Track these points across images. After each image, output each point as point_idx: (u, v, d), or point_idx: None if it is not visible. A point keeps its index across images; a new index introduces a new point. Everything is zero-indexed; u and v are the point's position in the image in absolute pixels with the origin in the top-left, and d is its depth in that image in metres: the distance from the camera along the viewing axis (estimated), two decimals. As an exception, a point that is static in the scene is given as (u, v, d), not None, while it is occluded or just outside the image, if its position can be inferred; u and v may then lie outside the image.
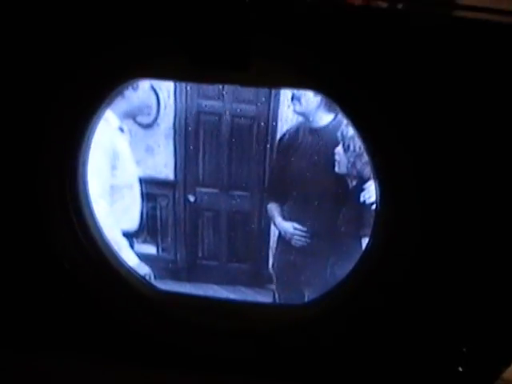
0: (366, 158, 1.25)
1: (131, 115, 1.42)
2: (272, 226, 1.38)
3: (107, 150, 1.42)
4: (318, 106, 1.31)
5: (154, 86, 1.40)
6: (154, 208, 1.48)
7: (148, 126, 1.47)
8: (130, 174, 1.43)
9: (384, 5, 1.10)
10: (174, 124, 1.40)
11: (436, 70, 0.99)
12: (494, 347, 1.15)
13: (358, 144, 1.27)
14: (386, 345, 1.14)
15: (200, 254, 1.45)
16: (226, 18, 0.99)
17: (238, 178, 1.38)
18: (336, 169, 1.30)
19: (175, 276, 1.46)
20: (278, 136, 1.33)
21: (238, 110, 1.33)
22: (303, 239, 1.36)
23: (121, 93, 1.21)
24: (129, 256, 1.42)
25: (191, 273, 1.45)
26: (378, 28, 0.99)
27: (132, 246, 1.44)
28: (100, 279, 1.18)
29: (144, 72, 1.10)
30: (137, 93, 1.38)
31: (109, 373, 1.22)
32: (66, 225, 1.15)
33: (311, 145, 1.33)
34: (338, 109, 1.08)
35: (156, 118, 1.46)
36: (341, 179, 1.30)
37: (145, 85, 1.38)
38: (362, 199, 1.29)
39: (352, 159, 1.29)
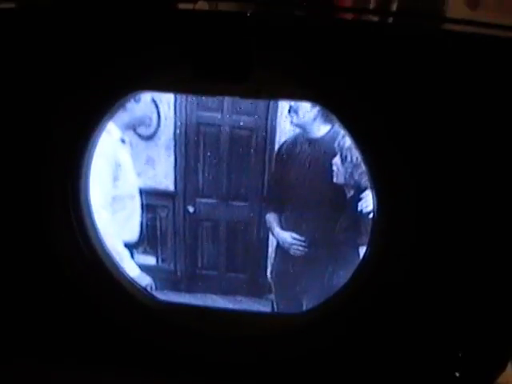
0: (363, 168, 1.24)
1: (132, 127, 1.44)
2: (270, 236, 1.39)
3: (109, 161, 1.43)
4: (315, 118, 1.32)
5: (155, 99, 1.41)
6: (154, 219, 1.49)
7: (149, 138, 1.49)
8: (131, 184, 1.44)
9: (375, 19, 1.16)
10: (174, 135, 1.41)
11: (428, 81, 1.00)
12: (489, 352, 1.16)
13: (355, 155, 1.28)
14: (383, 351, 1.14)
15: (199, 264, 1.46)
16: (227, 31, 1.00)
17: (237, 188, 1.39)
18: (334, 179, 1.31)
19: (175, 286, 1.46)
20: (276, 147, 1.34)
21: (237, 122, 1.34)
22: (301, 248, 1.37)
23: (123, 105, 1.20)
24: (130, 266, 1.43)
25: (190, 283, 1.46)
26: (369, 41, 1.00)
27: (132, 257, 1.44)
28: (101, 288, 1.18)
29: (146, 85, 1.10)
30: (138, 105, 1.40)
31: (109, 380, 1.21)
32: (67, 235, 1.15)
33: (309, 155, 1.34)
34: (335, 120, 1.08)
35: (156, 130, 1.48)
36: (338, 189, 1.32)
37: (146, 97, 1.39)
38: (359, 208, 1.30)
39: (349, 170, 1.31)
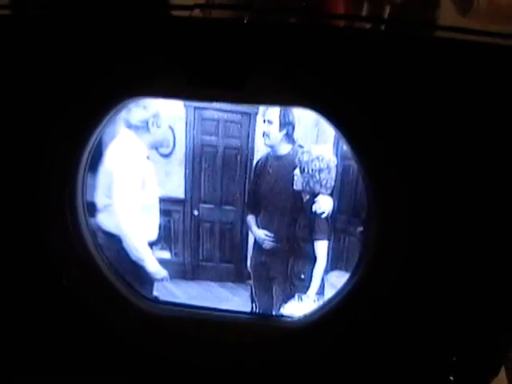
0: (317, 177, 1.45)
1: (155, 147, 1.61)
2: (250, 233, 1.57)
3: (139, 175, 1.59)
4: (281, 140, 1.52)
5: (171, 126, 1.60)
6: (169, 221, 1.66)
7: (167, 156, 1.67)
8: (154, 194, 1.60)
9: (367, 26, 1.13)
10: (185, 154, 1.60)
11: (420, 87, 0.99)
12: (483, 356, 1.14)
13: (311, 167, 1.46)
14: (378, 356, 1.15)
15: (201, 257, 1.65)
16: (223, 38, 0.99)
17: (227, 195, 1.58)
18: (294, 186, 1.49)
19: (183, 276, 1.64)
20: (254, 163, 1.52)
21: (228, 144, 1.54)
22: (271, 243, 1.55)
23: (120, 111, 1.19)
24: (152, 263, 1.58)
25: (194, 272, 1.64)
26: (363, 48, 0.99)
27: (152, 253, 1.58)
28: (97, 294, 1.19)
29: (142, 91, 1.10)
30: (159, 129, 1.56)
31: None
32: (64, 240, 1.15)
33: (276, 169, 1.53)
34: (329, 123, 1.09)
35: (172, 150, 1.66)
36: (298, 194, 1.49)
37: (165, 124, 1.56)
38: (313, 210, 1.47)
39: (306, 179, 1.48)
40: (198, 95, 1.11)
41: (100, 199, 1.55)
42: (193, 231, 1.69)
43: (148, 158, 1.63)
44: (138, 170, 1.60)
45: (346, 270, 1.35)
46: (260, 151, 1.54)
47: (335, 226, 1.46)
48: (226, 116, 1.53)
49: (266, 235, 1.56)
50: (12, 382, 1.22)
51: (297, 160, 1.51)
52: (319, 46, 1.00)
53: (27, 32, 1.03)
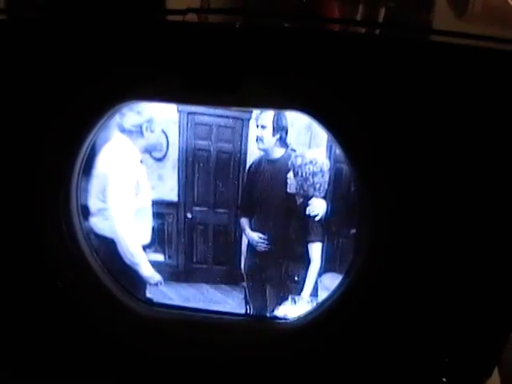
0: (310, 181, 1.46)
1: (149, 151, 1.62)
2: (243, 236, 1.57)
3: (133, 179, 1.58)
4: (275, 144, 1.53)
5: (164, 130, 1.59)
6: (163, 224, 1.67)
7: (160, 160, 1.68)
8: (148, 197, 1.59)
9: (362, 30, 1.13)
10: (178, 158, 1.59)
11: (415, 91, 0.99)
12: (476, 358, 1.14)
13: (304, 170, 1.48)
14: (369, 358, 1.15)
15: (194, 260, 1.64)
16: (216, 43, 0.99)
17: (220, 198, 1.58)
18: (288, 190, 1.50)
19: (177, 278, 1.63)
20: (247, 166, 1.52)
21: (220, 148, 1.54)
22: (265, 245, 1.56)
23: (113, 115, 1.19)
24: (146, 267, 1.58)
25: (188, 275, 1.63)
26: (357, 52, 0.99)
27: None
28: (93, 297, 1.19)
29: (136, 95, 1.09)
30: (153, 134, 1.57)
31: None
32: (59, 245, 1.15)
33: (269, 172, 1.54)
34: (322, 127, 1.08)
35: (166, 154, 1.66)
36: (291, 197, 1.50)
37: (158, 128, 1.57)
38: (307, 213, 1.48)
39: (300, 182, 1.49)
40: (191, 99, 1.11)
41: (93, 203, 1.54)
42: (186, 234, 1.69)
43: (141, 161, 1.63)
44: (133, 174, 1.60)
45: (340, 272, 1.34)
46: (253, 155, 1.54)
47: (329, 228, 1.46)
48: (219, 121, 1.53)
49: (260, 238, 1.57)
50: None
51: (290, 164, 1.52)
52: (313, 49, 1.00)
53: (21, 36, 1.03)
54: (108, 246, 1.54)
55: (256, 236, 1.57)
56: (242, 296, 1.60)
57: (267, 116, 1.50)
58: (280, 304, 1.54)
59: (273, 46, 0.99)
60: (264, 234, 1.56)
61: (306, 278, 1.53)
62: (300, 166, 1.49)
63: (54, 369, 1.23)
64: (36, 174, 1.10)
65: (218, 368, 1.20)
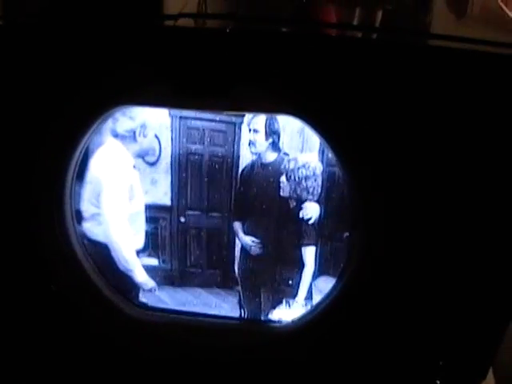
0: (303, 184, 1.45)
1: (141, 156, 1.61)
2: (236, 240, 1.56)
3: (127, 185, 1.57)
4: (267, 148, 1.53)
5: (157, 135, 1.58)
6: (156, 228, 1.65)
7: (153, 164, 1.65)
8: (141, 202, 1.58)
9: (354, 34, 1.12)
10: (171, 162, 1.59)
11: (410, 96, 0.99)
12: (470, 360, 1.15)
13: (297, 174, 1.47)
14: (363, 361, 1.16)
15: (188, 264, 1.63)
16: (207, 48, 0.99)
17: (213, 202, 1.57)
18: (281, 193, 1.49)
19: (171, 282, 1.62)
20: (240, 170, 1.52)
21: (213, 152, 1.53)
22: (258, 249, 1.55)
23: (106, 119, 1.19)
24: (140, 273, 1.57)
25: (182, 279, 1.62)
26: (350, 57, 0.99)
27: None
28: (87, 301, 1.19)
29: (128, 100, 1.10)
30: (146, 139, 1.56)
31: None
32: (53, 250, 1.15)
33: (262, 176, 1.53)
34: (314, 131, 1.08)
35: (158, 158, 1.64)
36: (284, 201, 1.50)
37: (151, 133, 1.56)
38: (300, 216, 1.47)
39: (293, 186, 1.49)
40: (183, 104, 1.12)
41: (87, 208, 1.53)
42: (180, 238, 1.67)
43: (134, 166, 1.62)
44: (126, 179, 1.59)
45: (334, 275, 1.33)
46: (246, 159, 1.53)
47: (322, 231, 1.45)
48: (211, 125, 1.52)
49: (253, 241, 1.57)
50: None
51: (283, 167, 1.52)
52: (305, 53, 1.00)
53: (16, 42, 1.03)
54: (102, 251, 1.52)
55: (249, 240, 1.57)
56: (237, 300, 1.59)
57: (259, 120, 1.49)
58: (274, 307, 1.53)
59: (264, 51, 0.99)
60: (257, 237, 1.55)
61: (300, 281, 1.51)
62: (293, 170, 1.49)
63: (48, 372, 1.24)
64: (30, 178, 1.10)
65: (213, 371, 1.21)
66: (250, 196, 1.55)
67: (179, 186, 1.65)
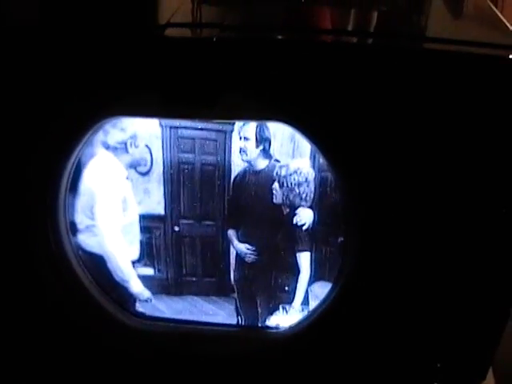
0: (296, 191, 1.44)
1: (134, 166, 1.60)
2: (231, 248, 1.54)
3: (120, 196, 1.57)
4: (258, 155, 1.51)
5: (148, 145, 1.57)
6: (150, 238, 1.64)
7: (145, 174, 1.63)
8: (134, 212, 1.58)
9: (350, 40, 1.10)
10: (163, 172, 1.57)
11: (403, 101, 0.97)
12: (468, 362, 1.13)
13: (289, 181, 1.45)
14: (360, 364, 1.15)
15: (183, 272, 1.62)
16: (195, 57, 0.98)
17: (207, 211, 1.55)
18: (274, 200, 1.48)
19: (167, 291, 1.61)
20: (232, 178, 1.50)
21: (204, 160, 1.52)
22: (253, 256, 1.54)
23: (97, 131, 1.19)
24: (136, 283, 1.56)
25: (177, 288, 1.61)
26: (344, 62, 0.98)
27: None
28: (83, 311, 1.19)
29: (117, 111, 1.10)
30: (137, 149, 1.56)
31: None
32: (48, 260, 1.15)
33: (255, 183, 1.52)
34: (305, 138, 1.08)
35: (150, 168, 1.62)
36: (277, 208, 1.48)
37: (142, 144, 1.55)
38: (294, 222, 1.45)
39: (286, 193, 1.47)
40: (171, 114, 1.13)
41: (81, 220, 1.50)
42: (174, 247, 1.66)
43: (127, 177, 1.61)
44: (119, 191, 1.58)
45: (329, 280, 1.32)
46: (238, 166, 1.52)
47: (316, 237, 1.43)
48: (201, 134, 1.51)
49: (248, 249, 1.55)
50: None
51: (275, 174, 1.50)
52: (294, 60, 0.99)
53: (2, 52, 1.02)
54: (97, 262, 1.50)
55: (244, 247, 1.55)
56: (233, 307, 1.57)
57: (250, 128, 1.46)
58: (271, 314, 1.52)
59: (252, 58, 0.99)
60: (252, 245, 1.54)
61: (296, 287, 1.49)
62: (285, 177, 1.47)
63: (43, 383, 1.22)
64: (23, 190, 1.10)
65: (212, 378, 1.21)
66: (243, 204, 1.53)
67: (172, 196, 1.63)
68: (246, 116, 1.16)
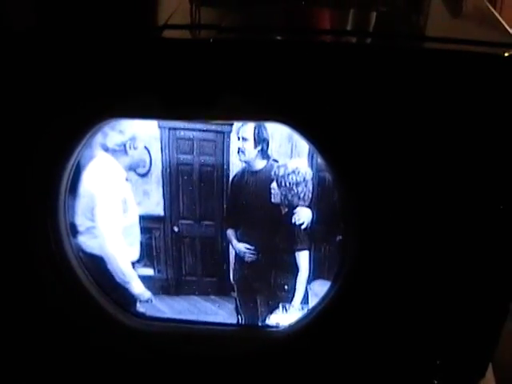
0: (294, 190, 1.43)
1: (133, 168, 1.59)
2: (230, 247, 1.54)
3: (120, 198, 1.56)
4: (256, 155, 1.51)
5: (147, 146, 1.57)
6: (150, 238, 1.63)
7: (144, 175, 1.63)
8: (134, 214, 1.57)
9: (352, 40, 1.10)
10: (162, 173, 1.57)
11: (402, 101, 0.97)
12: (468, 359, 1.12)
13: (287, 181, 1.45)
14: (360, 362, 1.14)
15: (183, 272, 1.62)
16: (193, 58, 0.98)
17: (206, 211, 1.55)
18: (272, 200, 1.48)
19: (167, 291, 1.61)
20: (231, 178, 1.50)
21: (203, 161, 1.52)
22: (252, 256, 1.53)
23: (96, 133, 1.18)
24: (137, 285, 1.56)
25: (178, 288, 1.61)
26: (342, 63, 0.97)
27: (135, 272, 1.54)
28: (85, 314, 1.18)
29: (116, 112, 1.09)
30: (136, 151, 1.56)
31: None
32: (48, 262, 1.14)
33: (253, 183, 1.51)
34: (304, 139, 1.07)
35: (149, 169, 1.62)
36: (276, 207, 1.48)
37: (141, 145, 1.55)
38: (293, 221, 1.45)
39: (284, 192, 1.47)
40: (171, 115, 1.12)
41: (81, 222, 1.50)
42: (174, 247, 1.65)
43: (127, 179, 1.61)
44: (119, 193, 1.58)
45: (329, 279, 1.31)
46: (236, 166, 1.52)
47: (315, 236, 1.42)
48: (200, 135, 1.51)
49: (247, 248, 1.55)
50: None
51: (273, 174, 1.50)
52: (292, 60, 0.98)
53: (4, 53, 1.02)
54: (98, 264, 1.50)
55: (243, 247, 1.55)
56: (233, 306, 1.56)
57: (248, 128, 1.46)
58: (271, 312, 1.51)
59: (251, 59, 0.98)
60: (251, 244, 1.53)
61: (295, 286, 1.49)
62: (283, 176, 1.47)
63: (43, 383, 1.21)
64: (23, 193, 1.10)
65: (212, 377, 1.20)
66: (242, 203, 1.53)
67: (171, 196, 1.63)
68: (245, 117, 1.16)
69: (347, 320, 1.14)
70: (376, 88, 0.98)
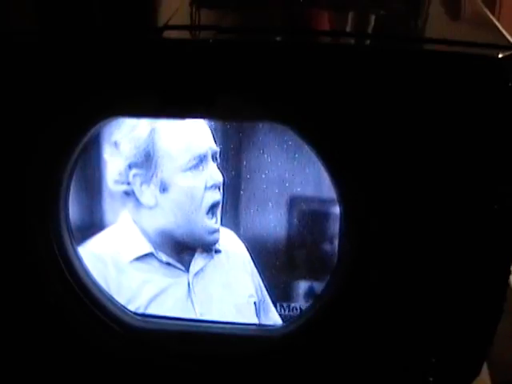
0: None
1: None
2: None
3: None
4: None
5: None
6: None
7: None
8: None
9: (352, 41, 1.10)
10: None
11: (408, 105, 0.96)
12: (463, 357, 1.11)
13: None
14: (355, 360, 1.14)
15: None
16: (192, 58, 0.98)
17: None
18: None
19: None
20: None
21: None
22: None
23: (96, 133, 1.16)
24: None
25: None
26: (341, 64, 0.96)
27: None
28: (84, 311, 1.17)
29: (116, 112, 1.09)
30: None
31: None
32: (49, 260, 1.13)
33: None
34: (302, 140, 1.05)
35: None
36: None
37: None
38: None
39: None
40: (170, 114, 1.10)
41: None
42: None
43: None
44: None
45: (326, 278, 1.27)
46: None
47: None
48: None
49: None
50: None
51: (272, 174, 1.44)
52: (292, 61, 0.97)
53: (6, 57, 1.02)
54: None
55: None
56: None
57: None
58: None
59: (250, 60, 0.98)
60: (247, 244, 1.47)
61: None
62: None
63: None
64: (22, 191, 1.10)
65: (212, 378, 1.20)
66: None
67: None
68: (243, 117, 1.15)
69: (344, 318, 1.15)
70: (374, 90, 0.99)
